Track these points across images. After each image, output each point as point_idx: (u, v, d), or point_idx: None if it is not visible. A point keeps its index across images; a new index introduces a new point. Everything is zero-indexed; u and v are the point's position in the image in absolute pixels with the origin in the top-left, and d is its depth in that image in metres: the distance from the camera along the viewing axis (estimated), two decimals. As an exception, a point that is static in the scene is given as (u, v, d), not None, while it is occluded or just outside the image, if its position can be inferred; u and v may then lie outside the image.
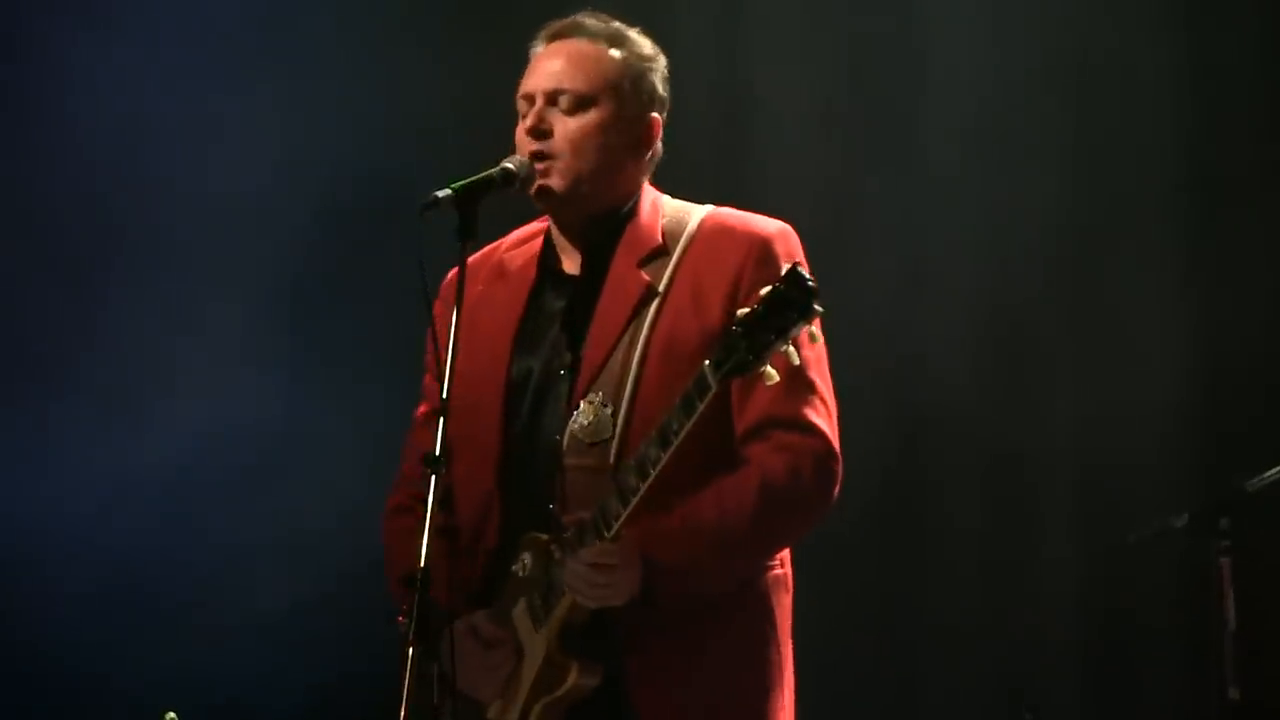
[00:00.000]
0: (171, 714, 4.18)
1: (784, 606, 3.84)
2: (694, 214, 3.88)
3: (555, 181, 3.81)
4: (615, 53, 3.86)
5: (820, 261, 3.77)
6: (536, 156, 3.81)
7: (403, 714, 3.32)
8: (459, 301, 3.59)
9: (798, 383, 3.66)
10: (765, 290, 3.41)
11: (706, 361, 3.49)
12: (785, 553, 3.86)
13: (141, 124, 6.20)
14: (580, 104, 3.82)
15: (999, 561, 6.24)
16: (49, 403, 6.14)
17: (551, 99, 3.82)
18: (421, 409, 4.01)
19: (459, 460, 3.62)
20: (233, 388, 6.13)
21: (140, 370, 6.18)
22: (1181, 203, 6.26)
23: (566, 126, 3.81)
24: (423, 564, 3.38)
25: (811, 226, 4.01)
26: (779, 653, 3.82)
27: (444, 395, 3.50)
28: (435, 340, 3.59)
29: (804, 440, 3.71)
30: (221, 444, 6.10)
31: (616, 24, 3.91)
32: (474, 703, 3.80)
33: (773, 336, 3.39)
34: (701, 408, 3.51)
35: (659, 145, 3.92)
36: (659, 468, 3.56)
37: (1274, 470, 5.41)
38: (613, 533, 3.63)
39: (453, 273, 3.89)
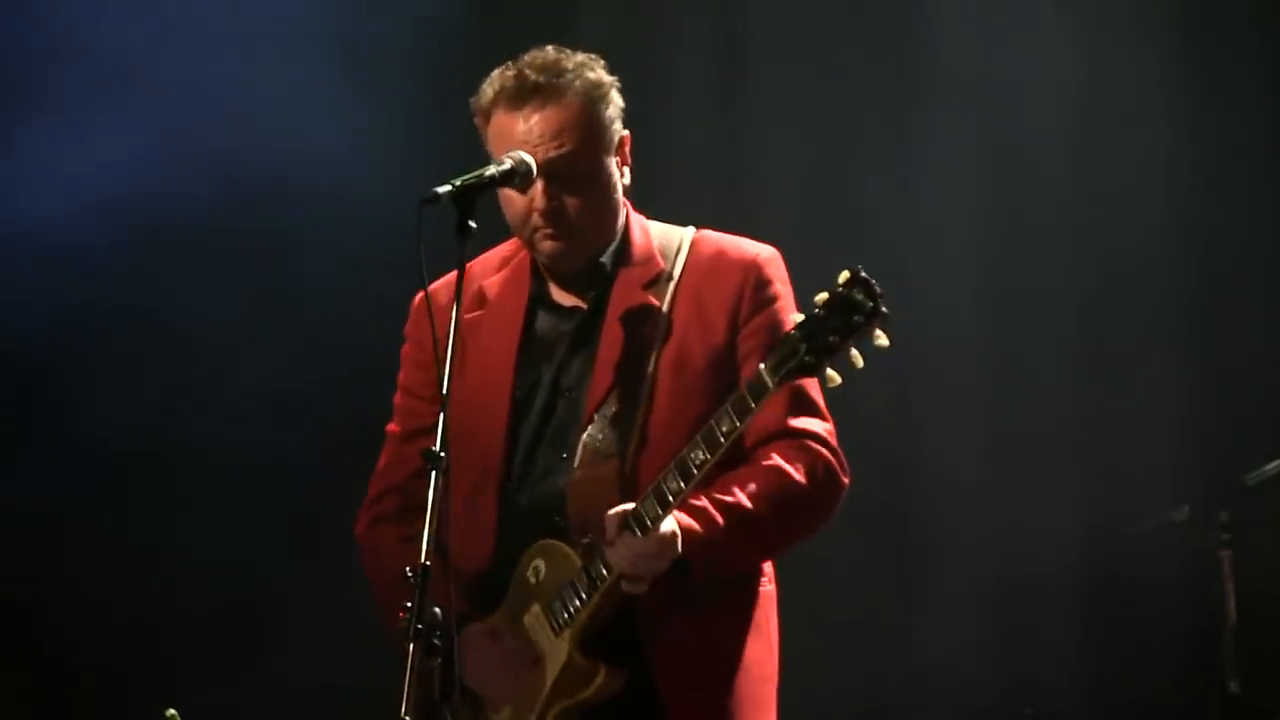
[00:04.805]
0: (172, 711, 4.17)
1: (774, 617, 3.91)
2: (682, 236, 3.94)
3: (576, 255, 3.85)
4: (584, 97, 3.81)
5: (811, 269, 3.82)
6: (553, 236, 3.81)
7: (403, 711, 3.31)
8: (458, 301, 3.60)
9: (803, 402, 3.78)
10: (823, 295, 3.47)
11: (761, 365, 3.55)
12: (770, 569, 3.92)
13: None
14: (582, 175, 3.81)
15: (997, 556, 6.24)
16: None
17: (552, 178, 3.79)
18: (393, 426, 4.03)
19: (459, 478, 3.72)
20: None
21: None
22: (1185, 201, 6.26)
23: (578, 203, 3.81)
24: (424, 560, 3.38)
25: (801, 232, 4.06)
26: (773, 651, 3.90)
27: (444, 391, 3.50)
28: (437, 354, 3.55)
29: (819, 447, 3.80)
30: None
31: (565, 62, 3.83)
32: (484, 705, 3.84)
33: (834, 337, 3.46)
34: (756, 410, 3.58)
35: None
36: (704, 470, 3.63)
37: (1274, 464, 5.41)
38: (648, 535, 3.67)
39: (421, 296, 3.92)
